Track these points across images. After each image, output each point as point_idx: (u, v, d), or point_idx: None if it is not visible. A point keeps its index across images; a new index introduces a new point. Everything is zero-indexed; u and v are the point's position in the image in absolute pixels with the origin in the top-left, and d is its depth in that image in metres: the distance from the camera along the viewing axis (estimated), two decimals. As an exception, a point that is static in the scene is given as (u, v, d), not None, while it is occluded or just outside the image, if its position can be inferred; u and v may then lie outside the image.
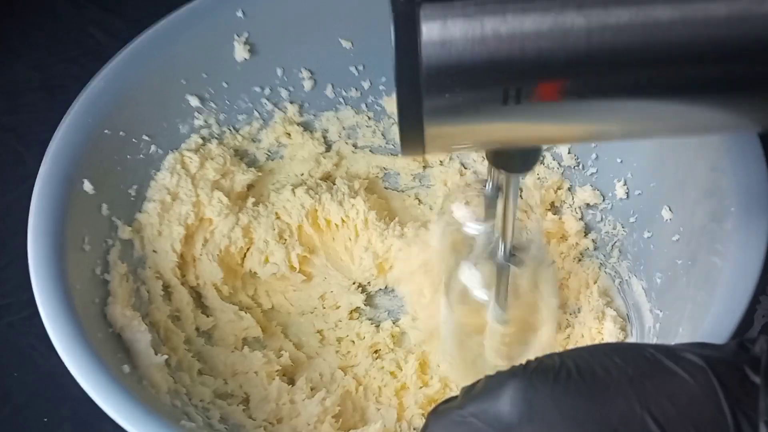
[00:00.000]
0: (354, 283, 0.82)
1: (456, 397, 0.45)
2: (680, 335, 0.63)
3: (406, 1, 0.38)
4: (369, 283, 0.82)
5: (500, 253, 0.58)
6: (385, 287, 0.82)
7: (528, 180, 0.81)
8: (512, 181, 0.53)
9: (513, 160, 0.50)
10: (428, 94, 0.39)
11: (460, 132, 0.43)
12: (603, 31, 0.38)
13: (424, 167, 0.88)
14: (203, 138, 0.79)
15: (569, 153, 0.81)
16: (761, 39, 0.38)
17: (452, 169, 0.86)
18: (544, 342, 0.66)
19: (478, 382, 0.45)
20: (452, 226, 0.70)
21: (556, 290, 0.63)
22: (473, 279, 0.62)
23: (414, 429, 0.71)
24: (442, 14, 0.38)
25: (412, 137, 0.42)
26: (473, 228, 0.67)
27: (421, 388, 0.74)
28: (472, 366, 0.71)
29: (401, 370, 0.75)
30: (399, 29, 0.39)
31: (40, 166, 0.65)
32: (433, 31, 0.38)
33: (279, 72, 0.81)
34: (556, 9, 0.38)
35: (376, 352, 0.77)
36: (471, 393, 0.44)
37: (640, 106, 0.41)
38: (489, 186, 0.64)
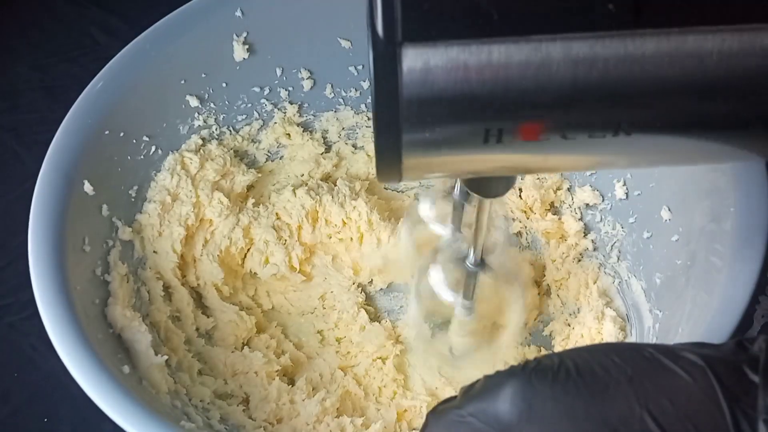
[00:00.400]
0: (354, 284, 0.82)
1: (455, 396, 0.45)
2: (680, 335, 0.63)
3: (387, 42, 0.37)
4: (369, 283, 0.82)
5: (470, 258, 0.59)
6: (386, 287, 0.82)
7: (528, 179, 0.81)
8: (485, 203, 0.53)
9: (488, 187, 0.50)
10: (407, 128, 0.39)
11: (438, 163, 0.42)
12: (589, 70, 0.37)
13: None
14: (203, 139, 0.79)
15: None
16: (750, 76, 0.38)
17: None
18: (506, 340, 0.67)
19: (477, 381, 0.45)
20: (419, 225, 0.70)
21: (520, 300, 0.64)
22: (440, 281, 0.62)
23: (414, 429, 0.71)
24: (424, 53, 0.37)
25: (388, 167, 0.41)
26: (438, 228, 0.68)
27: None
28: (439, 358, 0.72)
29: (401, 369, 0.75)
30: (379, 67, 0.38)
31: (40, 166, 0.65)
32: (414, 69, 0.37)
33: (278, 72, 0.81)
34: (541, 50, 0.37)
35: (376, 352, 0.77)
36: (470, 393, 0.44)
37: (623, 142, 0.40)
38: (456, 191, 0.64)
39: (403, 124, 0.38)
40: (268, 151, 0.85)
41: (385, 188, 0.88)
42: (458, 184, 0.63)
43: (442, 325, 0.70)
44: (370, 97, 0.39)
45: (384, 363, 0.76)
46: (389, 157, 0.40)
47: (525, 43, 0.37)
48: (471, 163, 0.42)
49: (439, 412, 0.46)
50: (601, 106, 0.39)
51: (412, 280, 0.68)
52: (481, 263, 0.59)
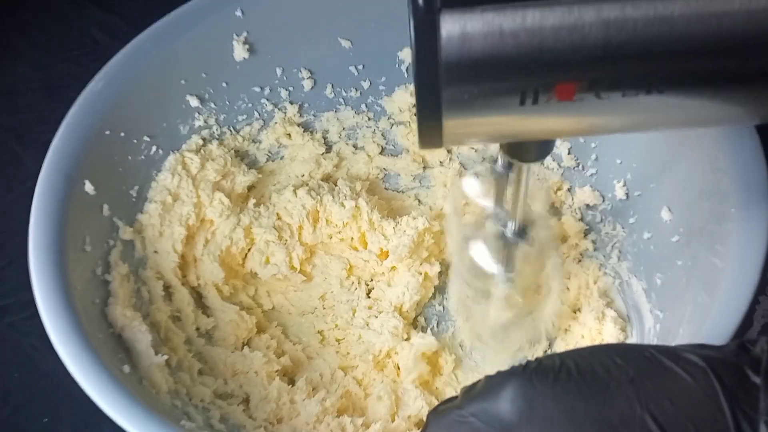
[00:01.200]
0: (354, 284, 0.82)
1: (456, 396, 0.45)
2: (680, 336, 0.63)
3: (426, 10, 0.39)
4: (369, 283, 0.82)
5: (510, 229, 0.60)
6: (387, 287, 0.82)
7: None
8: (524, 168, 0.54)
9: (527, 151, 0.51)
10: (447, 91, 0.40)
11: (477, 126, 0.43)
12: (620, 31, 0.39)
13: (424, 168, 0.88)
14: (204, 139, 0.79)
15: (569, 154, 0.81)
16: None
17: (452, 170, 0.86)
18: (548, 310, 0.68)
19: (477, 382, 0.45)
20: (461, 200, 0.72)
21: (560, 268, 0.66)
22: (483, 254, 0.63)
23: (414, 428, 0.71)
24: (461, 19, 0.39)
25: (429, 131, 0.42)
26: (482, 202, 0.68)
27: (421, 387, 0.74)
28: (479, 330, 0.74)
29: (402, 369, 0.75)
30: (419, 34, 0.40)
31: (40, 166, 0.65)
32: (453, 34, 0.39)
33: (278, 72, 0.81)
34: (575, 11, 0.39)
35: (376, 352, 0.77)
36: (471, 393, 0.44)
37: (655, 100, 0.42)
38: (499, 163, 0.64)
39: (443, 88, 0.40)
40: (269, 152, 0.85)
41: (385, 188, 0.88)
42: (500, 156, 0.63)
43: (482, 299, 0.71)
44: (410, 65, 0.42)
45: (384, 361, 0.76)
46: (430, 122, 0.42)
47: (558, 6, 0.39)
48: (508, 125, 0.44)
49: (440, 411, 0.46)
50: (633, 65, 0.40)
51: (454, 256, 0.69)
52: (522, 233, 0.60)
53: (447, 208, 0.77)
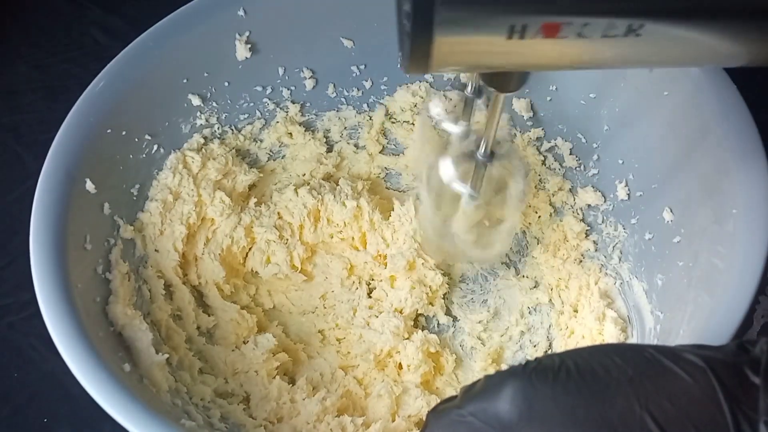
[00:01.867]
0: (355, 283, 0.82)
1: (456, 396, 0.45)
2: (681, 337, 0.63)
3: None
4: (371, 282, 0.82)
5: (480, 150, 0.61)
6: (389, 288, 0.82)
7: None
8: (501, 98, 0.56)
9: (505, 81, 0.52)
10: (440, 11, 0.40)
11: (464, 55, 0.44)
12: None
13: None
14: (205, 137, 0.79)
15: (571, 154, 0.81)
16: None
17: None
18: (507, 229, 0.69)
19: (477, 381, 0.45)
20: (429, 123, 0.73)
21: (523, 179, 0.66)
22: (451, 173, 0.64)
23: (414, 428, 0.71)
24: None
25: (421, 49, 0.42)
26: (449, 126, 0.69)
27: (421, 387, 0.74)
28: (443, 248, 0.75)
29: (402, 369, 0.75)
30: None
31: (40, 166, 0.65)
32: None
33: (280, 71, 0.81)
34: None
35: (378, 352, 0.77)
36: (470, 392, 0.44)
37: (633, 41, 0.43)
38: (469, 88, 0.66)
39: (437, 11, 0.40)
40: (270, 151, 0.85)
41: (386, 188, 0.88)
42: (472, 81, 0.66)
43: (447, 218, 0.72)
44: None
45: (384, 361, 0.76)
46: (422, 40, 0.42)
47: None
48: (494, 56, 0.44)
49: (440, 411, 0.46)
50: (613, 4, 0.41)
51: (422, 175, 0.70)
52: (491, 156, 0.61)
53: (415, 134, 0.79)
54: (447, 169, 0.65)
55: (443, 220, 0.71)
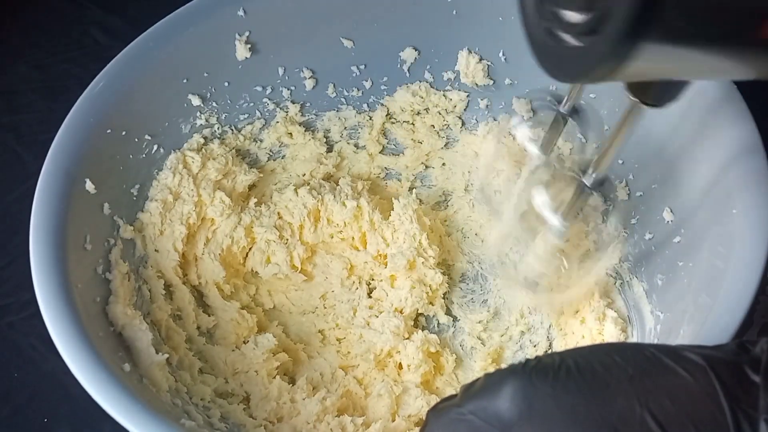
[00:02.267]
0: (355, 283, 0.82)
1: (456, 395, 0.45)
2: (681, 337, 0.62)
3: None
4: (371, 282, 0.82)
5: (590, 177, 0.55)
6: (390, 288, 0.82)
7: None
8: (640, 112, 0.50)
9: (659, 92, 0.47)
10: (664, 13, 0.36)
11: (670, 60, 0.40)
12: None
13: (426, 167, 0.88)
14: (205, 138, 0.79)
15: (571, 154, 0.81)
16: None
17: (453, 172, 0.87)
18: (569, 296, 0.66)
19: (477, 380, 0.45)
20: (506, 138, 0.69)
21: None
22: (543, 199, 0.59)
23: (414, 428, 0.71)
24: None
25: (614, 57, 0.38)
26: (532, 148, 0.65)
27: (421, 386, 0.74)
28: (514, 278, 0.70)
29: (402, 369, 0.75)
30: None
31: (40, 166, 0.65)
32: None
33: (280, 71, 0.81)
34: None
35: (378, 352, 0.77)
36: (470, 391, 0.44)
37: None
38: (565, 104, 0.60)
39: (663, 18, 0.36)
40: (270, 151, 0.85)
41: (387, 188, 0.88)
42: (568, 98, 0.59)
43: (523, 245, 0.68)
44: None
45: (384, 361, 0.76)
46: (618, 52, 0.38)
47: None
48: (700, 62, 0.40)
49: (440, 410, 0.46)
50: None
51: (502, 199, 0.66)
52: (600, 184, 0.55)
53: (490, 147, 0.73)
54: (540, 195, 0.59)
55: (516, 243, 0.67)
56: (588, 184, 0.55)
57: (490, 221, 0.76)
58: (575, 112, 0.59)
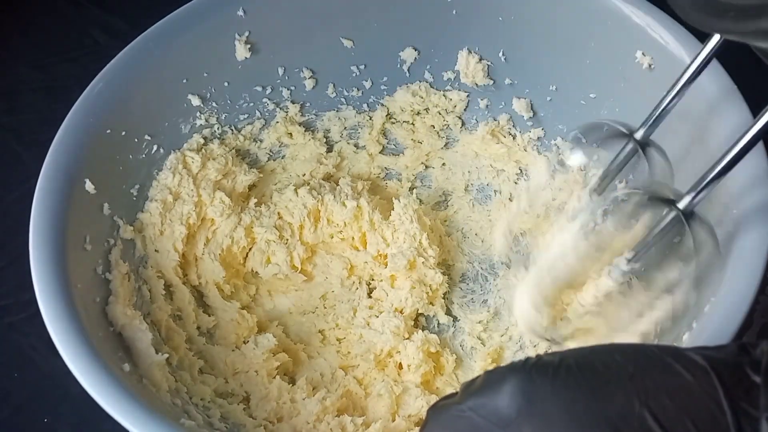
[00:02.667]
0: (355, 283, 0.82)
1: (456, 393, 0.45)
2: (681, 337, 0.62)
3: None
4: (371, 282, 0.82)
5: (685, 203, 0.52)
6: (390, 288, 0.82)
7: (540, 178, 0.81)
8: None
9: None
10: None
11: None
12: None
13: (426, 167, 0.88)
14: (205, 138, 0.79)
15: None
16: None
17: (453, 172, 0.87)
18: (656, 319, 0.60)
19: (477, 377, 0.45)
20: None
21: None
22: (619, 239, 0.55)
23: (414, 428, 0.71)
24: None
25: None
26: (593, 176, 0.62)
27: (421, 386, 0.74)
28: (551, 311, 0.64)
29: (402, 368, 0.75)
30: None
31: (40, 166, 0.65)
32: None
33: (280, 71, 0.81)
34: None
35: (378, 352, 0.77)
36: (470, 388, 0.44)
37: None
38: (639, 133, 0.58)
39: None
40: (270, 151, 0.85)
41: (387, 188, 0.88)
42: (642, 129, 0.56)
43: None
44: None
45: (384, 360, 0.76)
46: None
47: None
48: None
49: (440, 407, 0.46)
50: None
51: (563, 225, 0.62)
52: (691, 216, 0.50)
53: (541, 176, 0.68)
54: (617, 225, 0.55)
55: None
56: (682, 210, 0.51)
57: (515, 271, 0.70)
58: (647, 143, 0.56)
